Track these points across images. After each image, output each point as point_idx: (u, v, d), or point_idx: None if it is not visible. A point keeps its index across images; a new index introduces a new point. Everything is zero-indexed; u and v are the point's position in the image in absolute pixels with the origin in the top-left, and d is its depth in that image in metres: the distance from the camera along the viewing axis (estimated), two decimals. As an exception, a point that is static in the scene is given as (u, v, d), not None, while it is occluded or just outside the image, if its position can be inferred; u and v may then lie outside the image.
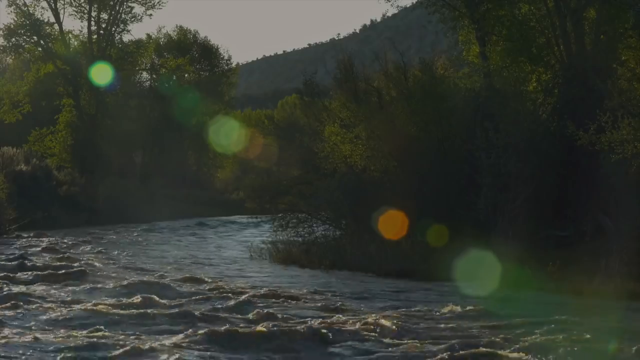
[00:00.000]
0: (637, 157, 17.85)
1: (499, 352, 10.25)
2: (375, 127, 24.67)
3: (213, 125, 54.12)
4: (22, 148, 39.53)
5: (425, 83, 24.56)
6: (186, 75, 56.32)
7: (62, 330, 11.18)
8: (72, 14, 44.69)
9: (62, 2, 43.91)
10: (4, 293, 14.20)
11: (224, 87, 61.91)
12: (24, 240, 25.89)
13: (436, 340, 11.12)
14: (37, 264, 18.76)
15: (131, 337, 10.98)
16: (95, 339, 10.69)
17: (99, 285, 15.99)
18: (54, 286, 15.58)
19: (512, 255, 17.73)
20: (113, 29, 45.12)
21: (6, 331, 11.04)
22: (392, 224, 20.95)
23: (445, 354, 10.33)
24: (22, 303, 13.32)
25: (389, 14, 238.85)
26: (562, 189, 21.01)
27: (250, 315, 12.87)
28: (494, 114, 21.83)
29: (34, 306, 12.99)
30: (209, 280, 17.53)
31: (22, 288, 15.01)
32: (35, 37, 43.11)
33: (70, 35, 44.95)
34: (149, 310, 13.09)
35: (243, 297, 14.67)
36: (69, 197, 37.52)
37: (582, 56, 23.48)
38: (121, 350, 10.09)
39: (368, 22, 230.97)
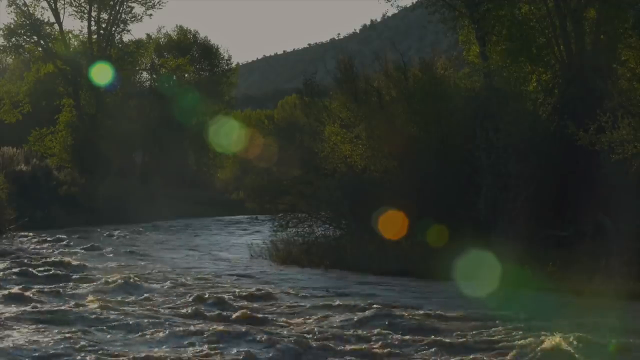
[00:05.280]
0: (637, 157, 17.85)
1: (499, 352, 10.26)
2: (375, 127, 24.67)
3: (213, 125, 54.09)
4: (22, 148, 39.55)
5: (425, 83, 24.55)
6: (186, 75, 56.32)
7: (56, 330, 11.19)
8: (72, 14, 44.79)
9: (62, 2, 44.00)
10: (4, 293, 14.24)
11: (224, 87, 61.86)
12: (24, 240, 25.89)
13: (436, 340, 11.13)
14: (37, 264, 18.76)
15: (128, 336, 10.99)
16: (94, 339, 10.71)
17: (96, 284, 16.00)
18: (52, 285, 15.59)
19: (512, 255, 17.72)
20: (113, 29, 45.14)
21: (7, 330, 11.06)
22: (392, 224, 20.94)
23: (444, 353, 10.34)
24: (22, 303, 13.36)
25: (389, 14, 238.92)
26: (562, 189, 21.00)
27: (249, 315, 12.89)
28: (494, 114, 21.83)
29: (32, 305, 13.00)
30: (208, 279, 17.56)
31: (21, 288, 15.03)
32: (35, 37, 43.14)
33: (70, 35, 45.01)
34: (145, 309, 13.11)
35: (242, 296, 14.67)
36: (69, 197, 37.52)
37: (582, 56, 23.48)
38: (119, 350, 10.11)
39: (368, 22, 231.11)
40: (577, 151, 19.84)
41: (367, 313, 13.00)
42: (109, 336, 10.99)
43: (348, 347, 10.64)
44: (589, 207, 19.75)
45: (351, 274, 19.34)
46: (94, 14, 44.76)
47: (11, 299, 13.81)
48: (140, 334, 11.18)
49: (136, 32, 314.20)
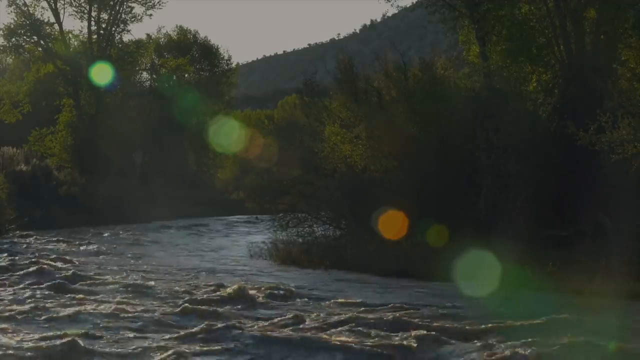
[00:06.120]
0: (637, 157, 17.85)
1: (499, 352, 10.25)
2: (375, 127, 24.67)
3: (213, 125, 54.07)
4: (22, 148, 39.52)
5: (425, 83, 24.55)
6: (186, 75, 56.28)
7: (57, 330, 11.19)
8: (72, 14, 44.75)
9: (62, 2, 43.95)
10: (3, 292, 14.26)
11: (224, 87, 61.83)
12: (24, 240, 25.89)
13: (436, 341, 11.13)
14: (37, 264, 18.77)
15: (130, 337, 10.99)
16: (98, 339, 10.71)
17: (100, 285, 16.01)
18: (51, 285, 15.60)
19: (512, 255, 17.72)
20: (113, 29, 45.12)
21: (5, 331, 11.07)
22: (392, 224, 20.94)
23: (444, 353, 10.35)
24: (22, 302, 13.37)
25: (389, 14, 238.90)
26: (562, 189, 21.00)
27: (250, 315, 12.90)
28: (494, 114, 21.83)
29: (31, 305, 13.01)
30: (208, 279, 17.56)
31: (22, 287, 15.04)
32: (35, 37, 43.11)
33: (70, 35, 44.97)
34: (148, 309, 13.11)
35: (243, 296, 14.66)
36: (68, 197, 37.50)
37: (582, 56, 23.49)
38: (122, 351, 10.11)
39: (368, 22, 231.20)
40: (577, 151, 19.84)
41: (365, 313, 12.99)
42: (102, 335, 11.00)
43: (344, 346, 10.65)
44: (589, 207, 19.75)
45: (351, 274, 19.35)
46: (94, 14, 44.77)
47: (7, 298, 13.85)
48: (131, 333, 11.20)
49: (136, 32, 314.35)
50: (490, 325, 12.15)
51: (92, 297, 14.39)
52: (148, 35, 55.77)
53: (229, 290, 15.42)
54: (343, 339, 11.04)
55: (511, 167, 20.56)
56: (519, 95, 23.01)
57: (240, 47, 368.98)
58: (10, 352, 9.84)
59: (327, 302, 14.67)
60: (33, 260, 19.48)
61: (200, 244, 28.51)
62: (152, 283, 16.48)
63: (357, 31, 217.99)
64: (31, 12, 42.99)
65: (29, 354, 9.79)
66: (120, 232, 31.53)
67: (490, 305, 14.11)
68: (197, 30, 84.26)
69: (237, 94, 73.94)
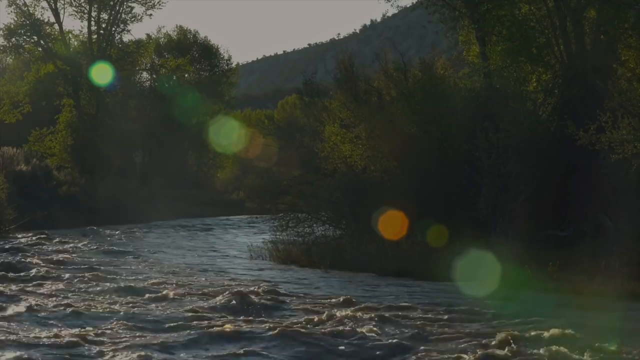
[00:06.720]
0: (637, 157, 17.87)
1: (498, 352, 10.26)
2: (375, 127, 24.68)
3: (213, 125, 54.12)
4: (22, 148, 39.50)
5: (425, 83, 24.56)
6: (186, 75, 56.28)
7: (56, 330, 11.20)
8: (72, 14, 44.69)
9: (62, 2, 43.91)
10: (4, 293, 14.28)
11: (224, 87, 61.86)
12: (25, 240, 25.88)
13: (435, 340, 11.14)
14: (38, 264, 18.78)
15: (129, 336, 11.00)
16: (95, 338, 10.73)
17: (100, 285, 16.01)
18: (53, 285, 15.60)
19: (512, 255, 17.73)
20: (113, 29, 45.09)
21: (5, 330, 11.08)
22: (392, 224, 20.94)
23: (444, 354, 10.35)
24: (22, 302, 13.38)
25: (389, 14, 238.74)
26: (562, 189, 21.01)
27: (249, 314, 12.91)
28: (494, 114, 21.85)
29: (33, 306, 13.02)
30: (207, 279, 17.57)
31: (22, 288, 15.05)
32: (35, 37, 43.09)
33: (70, 35, 44.95)
34: (148, 309, 13.13)
35: (243, 296, 14.66)
36: (69, 197, 37.49)
37: (582, 56, 23.51)
38: (119, 349, 10.13)
39: (368, 22, 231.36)
40: (577, 151, 19.86)
41: (364, 312, 13.00)
42: (103, 333, 11.02)
43: (344, 346, 10.65)
44: (589, 207, 19.76)
45: (351, 274, 19.34)
46: (94, 14, 44.71)
47: (8, 298, 13.87)
48: (127, 330, 11.21)
49: (136, 32, 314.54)
50: (490, 325, 12.16)
51: (93, 297, 14.39)
52: (148, 35, 55.88)
53: (227, 290, 15.44)
54: (342, 337, 11.05)
55: (511, 167, 20.58)
56: (519, 95, 23.03)
57: (240, 47, 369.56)
58: (18, 348, 9.88)
59: (327, 301, 14.67)
60: (35, 260, 19.48)
61: (200, 244, 28.50)
62: (151, 282, 16.48)
63: (357, 31, 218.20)
64: (31, 12, 42.97)
65: (31, 348, 9.83)
66: (121, 232, 31.51)
67: (490, 306, 14.10)
68: (197, 30, 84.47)
69: (237, 94, 73.97)
